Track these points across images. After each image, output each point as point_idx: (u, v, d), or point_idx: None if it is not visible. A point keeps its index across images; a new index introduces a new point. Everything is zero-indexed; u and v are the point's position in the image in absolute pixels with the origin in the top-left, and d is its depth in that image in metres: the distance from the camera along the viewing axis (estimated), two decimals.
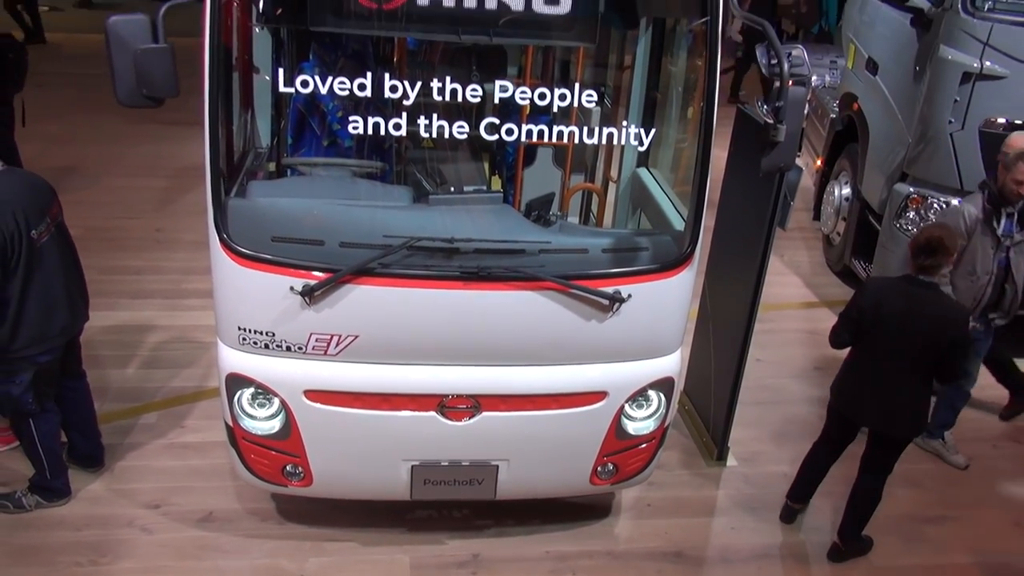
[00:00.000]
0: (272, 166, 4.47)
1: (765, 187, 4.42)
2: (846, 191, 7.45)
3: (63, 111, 10.35)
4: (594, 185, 5.20)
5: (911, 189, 6.11)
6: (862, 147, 6.96)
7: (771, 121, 3.29)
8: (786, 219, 4.54)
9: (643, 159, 4.90)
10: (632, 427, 4.01)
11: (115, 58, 3.26)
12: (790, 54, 3.29)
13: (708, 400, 5.24)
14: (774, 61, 3.27)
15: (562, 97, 3.49)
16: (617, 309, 3.61)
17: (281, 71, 3.45)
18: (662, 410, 4.01)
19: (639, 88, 4.59)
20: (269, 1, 3.85)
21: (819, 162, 8.44)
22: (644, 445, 4.08)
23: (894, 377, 4.10)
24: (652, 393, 3.96)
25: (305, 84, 3.39)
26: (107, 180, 8.68)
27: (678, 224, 4.11)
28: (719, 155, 3.85)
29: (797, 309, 7.17)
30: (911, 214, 6.10)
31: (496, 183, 4.85)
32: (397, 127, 3.44)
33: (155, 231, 7.65)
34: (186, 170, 9.03)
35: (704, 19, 3.51)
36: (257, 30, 4.13)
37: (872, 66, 6.87)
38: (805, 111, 3.43)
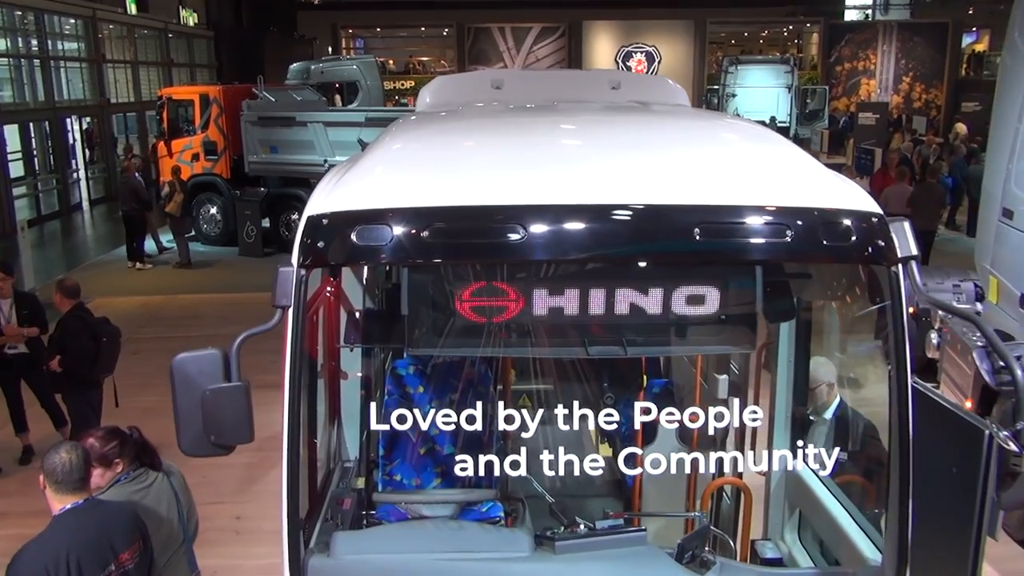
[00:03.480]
0: (360, 482, 3.85)
1: (964, 489, 3.54)
2: None
3: (156, 380, 10.08)
4: (738, 480, 4.37)
5: None
6: None
7: (1012, 448, 2.51)
8: (995, 526, 3.61)
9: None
10: None
11: (180, 401, 2.79)
12: (1020, 357, 2.56)
13: None
14: (1001, 364, 2.54)
15: (719, 417, 2.82)
16: None
17: (373, 407, 2.90)
18: None
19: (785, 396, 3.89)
20: (357, 325, 3.39)
21: (968, 404, 7.45)
22: None
23: None
24: None
25: (404, 400, 2.80)
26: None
27: (870, 552, 3.25)
28: None
29: None
30: None
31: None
32: (515, 465, 2.78)
33: (235, 519, 7.04)
34: (272, 440, 8.45)
35: (883, 303, 2.88)
36: (349, 352, 3.67)
37: None
38: None
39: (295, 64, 22.26)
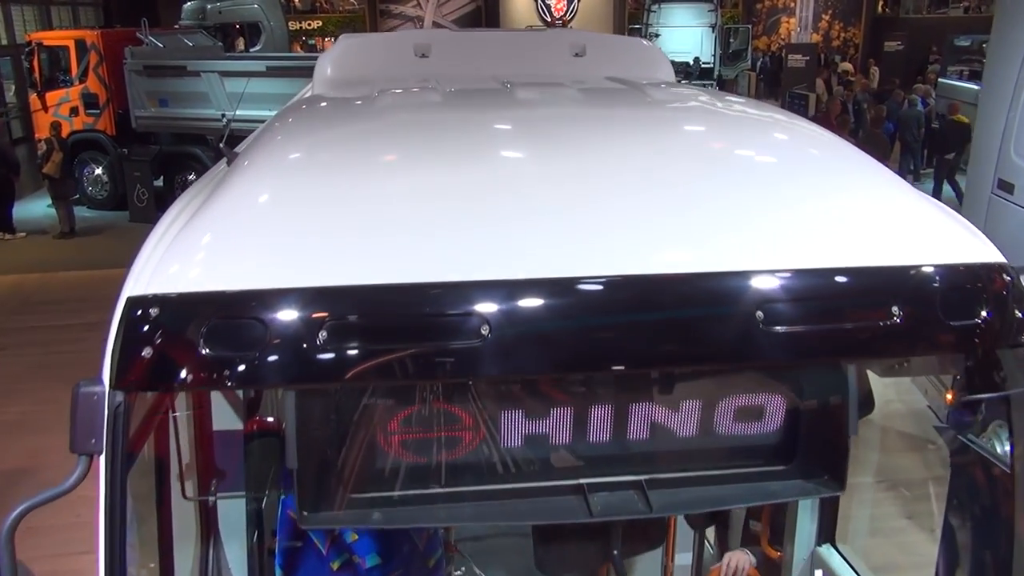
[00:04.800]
0: None
1: None
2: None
3: (25, 384, 8.77)
4: (744, 556, 3.44)
5: None
6: None
7: None
8: None
9: (827, 528, 3.17)
10: None
11: None
12: None
13: None
14: None
15: None
16: None
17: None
18: None
19: None
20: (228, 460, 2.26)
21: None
22: None
23: None
24: None
25: None
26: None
27: None
28: None
29: None
30: None
31: None
32: None
33: None
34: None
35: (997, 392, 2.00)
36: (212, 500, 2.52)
37: None
38: None
39: (189, 3, 20.28)
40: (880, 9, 37.57)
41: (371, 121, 2.30)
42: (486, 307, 1.62)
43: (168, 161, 15.64)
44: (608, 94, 2.75)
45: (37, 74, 16.37)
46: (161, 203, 15.52)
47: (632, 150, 2.04)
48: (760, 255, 1.75)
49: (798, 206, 1.88)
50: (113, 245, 14.25)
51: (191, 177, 15.39)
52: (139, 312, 1.69)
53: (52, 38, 17.03)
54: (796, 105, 18.10)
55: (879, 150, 12.48)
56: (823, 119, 14.27)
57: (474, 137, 2.12)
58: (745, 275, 1.70)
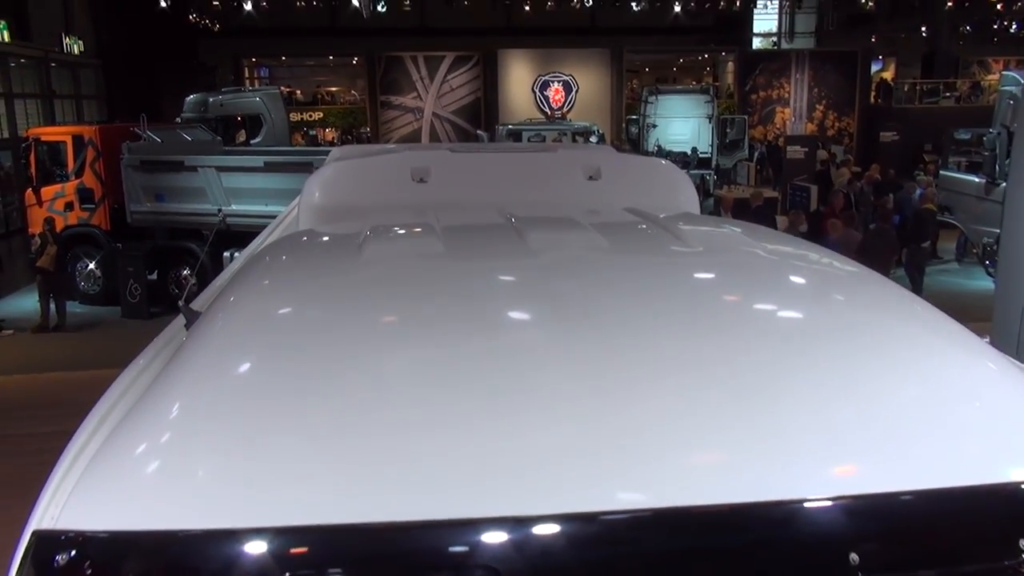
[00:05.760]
0: None
1: None
2: None
3: None
4: None
5: None
6: None
7: None
8: None
9: None
10: None
11: None
12: None
13: None
14: None
15: None
16: None
17: None
18: None
19: None
20: None
21: None
22: None
23: None
24: None
25: None
26: None
27: None
28: None
29: None
30: None
31: None
32: None
33: None
34: None
35: None
36: None
37: None
38: None
39: (192, 96, 20.54)
40: (873, 99, 38.19)
41: (357, 285, 1.93)
42: (497, 553, 1.23)
43: (162, 256, 15.40)
44: (633, 236, 2.39)
45: (33, 169, 16.29)
46: (155, 298, 15.20)
47: (674, 328, 1.67)
48: (854, 474, 1.36)
49: (895, 404, 1.49)
50: (102, 342, 13.85)
51: (185, 272, 15.12)
52: (47, 555, 1.29)
53: (50, 134, 17.02)
54: (798, 197, 17.99)
55: (885, 244, 12.22)
56: (828, 213, 14.07)
57: (477, 312, 1.74)
58: (836, 503, 1.31)
